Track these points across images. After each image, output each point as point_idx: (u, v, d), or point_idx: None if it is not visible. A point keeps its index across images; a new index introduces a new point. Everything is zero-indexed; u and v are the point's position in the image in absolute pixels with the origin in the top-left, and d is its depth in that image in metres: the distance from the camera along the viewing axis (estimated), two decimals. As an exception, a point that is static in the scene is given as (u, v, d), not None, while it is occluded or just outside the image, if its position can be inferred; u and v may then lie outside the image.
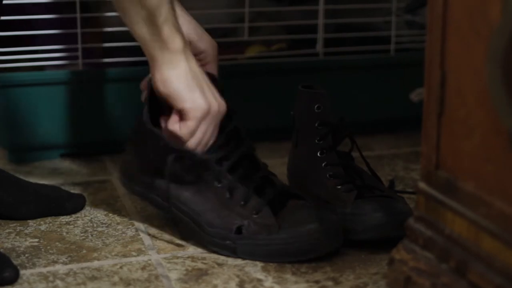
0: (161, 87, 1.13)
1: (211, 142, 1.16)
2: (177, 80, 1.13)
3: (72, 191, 1.32)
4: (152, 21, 1.11)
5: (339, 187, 1.21)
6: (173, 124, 1.14)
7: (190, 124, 1.13)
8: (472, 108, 0.88)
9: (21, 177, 1.30)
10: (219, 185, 1.16)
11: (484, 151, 0.87)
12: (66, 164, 1.50)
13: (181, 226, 1.20)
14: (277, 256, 1.12)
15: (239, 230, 1.13)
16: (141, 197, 1.23)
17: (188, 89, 1.13)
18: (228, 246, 1.13)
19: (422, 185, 0.97)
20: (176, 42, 1.13)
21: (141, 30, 1.12)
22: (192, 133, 1.14)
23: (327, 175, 1.23)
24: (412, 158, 1.52)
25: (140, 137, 1.19)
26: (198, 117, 1.13)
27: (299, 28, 1.62)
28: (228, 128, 1.18)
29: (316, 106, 1.27)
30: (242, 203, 1.14)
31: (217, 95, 1.16)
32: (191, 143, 1.14)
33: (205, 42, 1.24)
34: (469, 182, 0.89)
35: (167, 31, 1.12)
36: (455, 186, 0.92)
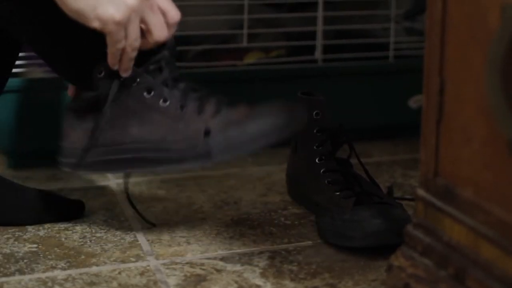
0: (64, 8, 1.06)
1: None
2: None
3: (70, 197, 1.32)
4: None
5: (337, 193, 1.21)
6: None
7: (109, 40, 1.09)
8: (471, 115, 0.88)
9: (20, 182, 1.30)
10: (166, 104, 1.13)
11: (483, 158, 0.87)
12: (65, 169, 1.50)
13: (138, 165, 1.15)
14: (253, 141, 1.11)
15: (207, 133, 1.11)
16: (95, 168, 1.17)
17: (89, 5, 1.06)
18: (201, 153, 1.11)
19: (421, 191, 0.97)
20: None
21: None
22: (117, 44, 1.09)
23: (326, 181, 1.24)
24: (410, 164, 1.52)
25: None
26: (113, 30, 1.08)
27: (298, 34, 1.63)
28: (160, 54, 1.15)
29: (315, 113, 1.27)
30: (198, 111, 1.13)
31: None
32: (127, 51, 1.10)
33: None
34: (468, 189, 0.90)
35: None
36: (453, 193, 0.92)
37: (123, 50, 1.11)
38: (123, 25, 1.08)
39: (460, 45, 0.89)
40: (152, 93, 1.13)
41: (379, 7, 1.65)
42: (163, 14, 1.12)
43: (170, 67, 1.15)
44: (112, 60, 1.12)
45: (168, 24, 1.12)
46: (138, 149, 1.14)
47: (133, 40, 1.10)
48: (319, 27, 1.59)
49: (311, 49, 1.61)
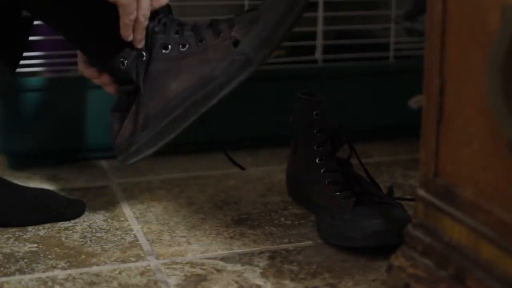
0: None
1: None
2: None
3: (71, 197, 1.32)
4: None
5: (338, 193, 1.21)
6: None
7: (122, 12, 1.12)
8: (471, 116, 0.88)
9: (20, 183, 1.30)
10: (186, 47, 1.15)
11: (483, 158, 0.87)
12: (65, 170, 1.50)
13: (194, 113, 1.14)
14: (276, 28, 1.13)
15: (236, 44, 1.13)
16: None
17: None
18: (242, 62, 1.13)
19: (421, 192, 0.97)
20: None
21: None
22: (130, 15, 1.12)
23: (326, 182, 1.24)
24: (411, 165, 1.52)
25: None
26: (127, 2, 1.11)
27: (298, 35, 1.63)
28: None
29: (315, 113, 1.27)
30: (216, 35, 1.15)
31: None
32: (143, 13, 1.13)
33: None
34: (468, 189, 0.90)
35: None
36: (454, 193, 0.92)
37: (136, 21, 1.13)
38: None
39: (460, 45, 0.89)
40: (170, 47, 1.15)
41: (380, 8, 1.65)
42: None
43: (170, 18, 1.17)
44: (125, 32, 1.13)
45: None
46: (184, 98, 1.14)
47: (146, 9, 1.13)
48: (320, 27, 1.60)
49: (311, 49, 1.61)
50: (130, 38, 1.14)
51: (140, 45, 1.15)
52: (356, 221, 1.15)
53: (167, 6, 1.18)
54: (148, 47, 1.16)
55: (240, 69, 1.14)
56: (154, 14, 1.16)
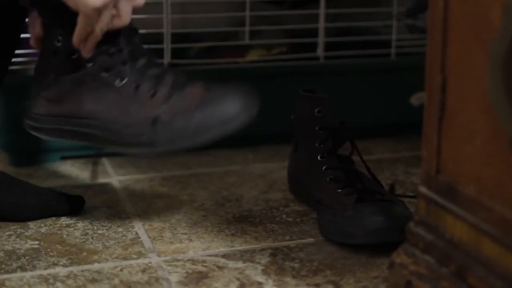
0: None
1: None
2: None
3: (72, 193, 1.32)
4: None
5: (339, 190, 1.21)
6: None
7: (81, 20, 1.10)
8: (473, 113, 0.88)
9: (22, 179, 1.30)
10: (122, 83, 1.13)
11: (485, 155, 0.87)
12: (66, 167, 1.50)
13: (88, 140, 1.17)
14: (196, 135, 1.10)
15: (155, 121, 1.11)
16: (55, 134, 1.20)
17: None
18: (146, 142, 1.11)
19: (423, 189, 0.97)
20: None
21: None
22: (88, 26, 1.10)
23: (328, 179, 1.24)
24: (412, 162, 1.52)
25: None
26: (90, 14, 1.09)
27: (300, 32, 1.63)
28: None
29: (316, 110, 1.27)
30: (151, 94, 1.12)
31: None
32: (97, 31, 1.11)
33: None
34: (470, 187, 0.90)
35: None
36: (455, 190, 0.92)
37: (91, 32, 1.11)
38: (100, 10, 1.09)
39: (462, 42, 0.89)
40: (110, 72, 1.14)
41: (381, 5, 1.65)
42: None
43: (131, 46, 1.16)
44: (77, 40, 1.12)
45: (133, 9, 1.14)
46: (89, 125, 1.15)
47: (105, 24, 1.11)
48: (321, 24, 1.59)
49: (313, 47, 1.61)
50: (79, 46, 1.13)
51: (88, 55, 1.14)
52: (358, 218, 1.15)
53: (133, 29, 1.16)
54: (90, 59, 1.14)
55: (140, 146, 1.12)
56: (116, 35, 1.14)
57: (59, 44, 1.16)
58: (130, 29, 1.16)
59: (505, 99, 0.80)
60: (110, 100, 1.14)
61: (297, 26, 1.63)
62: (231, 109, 1.10)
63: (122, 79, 1.14)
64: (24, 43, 1.43)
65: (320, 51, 1.61)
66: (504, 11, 0.81)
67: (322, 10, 1.59)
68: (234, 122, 1.11)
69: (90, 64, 1.15)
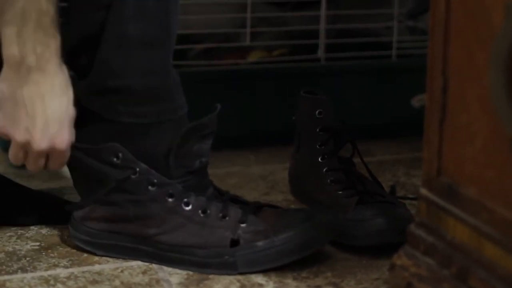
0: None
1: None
2: None
3: (72, 195, 1.32)
4: None
5: (340, 192, 1.21)
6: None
7: (13, 144, 1.07)
8: (474, 114, 0.88)
9: (23, 181, 1.30)
10: (189, 208, 1.11)
11: (486, 157, 0.87)
12: (67, 169, 1.50)
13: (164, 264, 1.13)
14: (277, 259, 1.10)
15: (234, 243, 1.10)
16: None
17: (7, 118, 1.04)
18: (227, 263, 1.09)
19: (424, 191, 0.97)
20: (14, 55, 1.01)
21: None
22: (16, 159, 1.08)
23: (328, 181, 1.24)
24: (413, 163, 1.52)
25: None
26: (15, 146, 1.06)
27: (301, 33, 1.63)
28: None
29: (317, 112, 1.27)
30: (221, 215, 1.11)
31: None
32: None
33: None
34: (471, 188, 0.89)
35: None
36: (457, 192, 0.91)
37: (29, 153, 1.07)
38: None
39: (463, 43, 0.89)
40: (175, 197, 1.11)
41: (382, 6, 1.65)
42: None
43: (199, 177, 1.14)
44: (13, 159, 1.08)
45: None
46: (160, 248, 1.12)
47: (33, 165, 1.08)
48: (322, 26, 1.59)
49: (314, 48, 1.61)
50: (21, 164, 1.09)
51: (34, 171, 1.09)
52: (359, 220, 1.15)
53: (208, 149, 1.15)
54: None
55: (220, 267, 1.10)
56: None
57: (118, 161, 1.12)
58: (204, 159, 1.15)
59: (507, 101, 0.80)
60: (177, 225, 1.11)
61: (298, 27, 1.63)
62: (306, 234, 1.10)
63: (187, 205, 1.11)
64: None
65: (321, 53, 1.60)
66: (505, 12, 0.81)
67: (323, 12, 1.59)
68: (312, 247, 1.11)
69: (153, 188, 1.11)
